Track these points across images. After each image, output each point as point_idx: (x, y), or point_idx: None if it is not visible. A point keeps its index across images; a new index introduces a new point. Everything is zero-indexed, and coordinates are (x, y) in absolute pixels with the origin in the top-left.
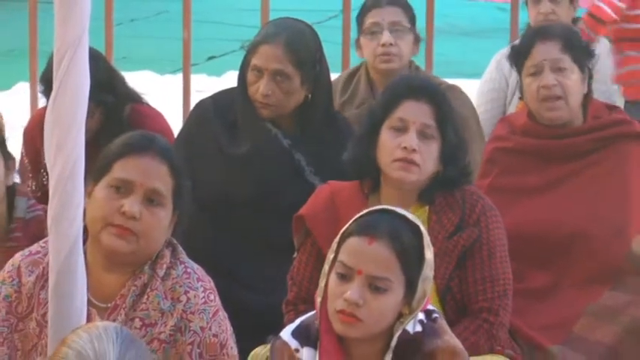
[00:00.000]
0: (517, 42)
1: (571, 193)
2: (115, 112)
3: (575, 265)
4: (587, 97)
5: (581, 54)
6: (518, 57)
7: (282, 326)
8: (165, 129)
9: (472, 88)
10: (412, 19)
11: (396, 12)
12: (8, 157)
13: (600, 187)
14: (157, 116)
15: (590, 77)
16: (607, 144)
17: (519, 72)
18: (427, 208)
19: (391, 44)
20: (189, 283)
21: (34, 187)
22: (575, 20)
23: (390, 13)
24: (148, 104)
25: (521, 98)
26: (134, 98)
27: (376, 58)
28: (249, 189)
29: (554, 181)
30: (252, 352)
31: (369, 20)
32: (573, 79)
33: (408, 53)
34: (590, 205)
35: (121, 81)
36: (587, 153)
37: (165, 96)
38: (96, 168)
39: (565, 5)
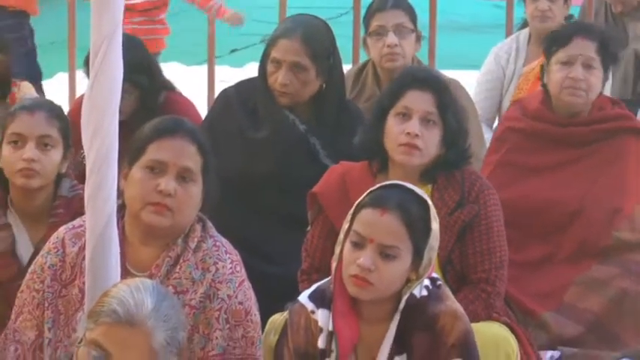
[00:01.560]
0: (556, 29)
1: (572, 176)
2: (150, 96)
3: (570, 240)
4: (599, 95)
5: (610, 59)
6: (554, 42)
7: (297, 294)
8: (195, 116)
9: (471, 79)
10: (414, 19)
11: (399, 15)
12: (68, 148)
13: (599, 173)
14: (188, 104)
15: (607, 79)
16: (608, 136)
17: (549, 56)
18: (430, 186)
19: (395, 45)
20: (218, 255)
21: (72, 168)
22: (568, 17)
23: (394, 16)
24: (180, 93)
25: (542, 85)
26: (168, 86)
27: (382, 58)
28: (268, 170)
29: (558, 163)
30: (271, 318)
31: (374, 23)
32: (597, 76)
33: (410, 52)
34: (589, 188)
35: (158, 69)
36: (589, 142)
37: (192, 85)
38: (130, 152)
39: (560, 3)
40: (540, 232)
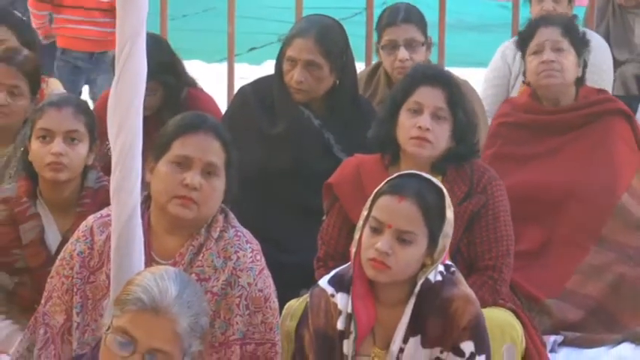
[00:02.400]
0: (522, 29)
1: (563, 161)
2: (174, 92)
3: (565, 221)
4: (581, 81)
5: (578, 40)
6: (523, 40)
7: (312, 281)
8: (216, 111)
9: (479, 76)
10: (424, 30)
11: (410, 29)
12: (94, 141)
13: (589, 155)
14: (209, 100)
15: (585, 66)
16: (594, 119)
17: (523, 53)
18: (440, 178)
19: (407, 59)
20: (239, 244)
21: (98, 160)
22: (572, 17)
23: (404, 31)
24: (202, 89)
25: (524, 82)
26: (191, 83)
27: (394, 70)
28: (284, 163)
29: (549, 150)
30: (287, 304)
31: (386, 37)
32: (570, 59)
33: (421, 62)
34: (580, 170)
35: (182, 66)
36: (577, 127)
37: (212, 82)
38: (156, 147)
39: (564, 3)
40: (536, 216)
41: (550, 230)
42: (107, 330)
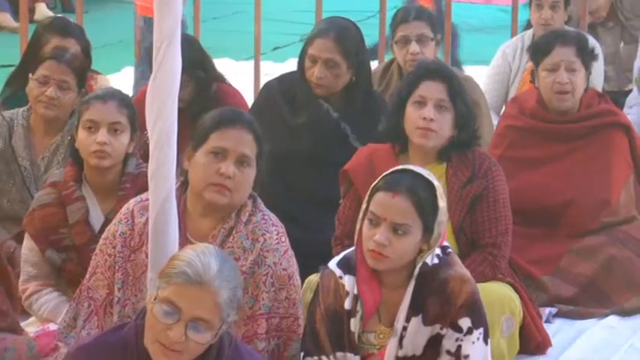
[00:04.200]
0: (538, 39)
1: (565, 168)
2: (204, 87)
3: (564, 226)
4: (585, 90)
5: (588, 57)
6: (538, 53)
7: (330, 258)
8: (243, 104)
9: (482, 73)
10: (434, 28)
11: (421, 25)
12: (134, 131)
13: (588, 165)
14: (237, 94)
15: (590, 74)
16: (595, 131)
17: (536, 63)
18: (445, 164)
19: (418, 53)
20: (266, 227)
21: (138, 148)
22: (566, 22)
23: (416, 27)
24: (230, 84)
25: (531, 82)
26: (220, 79)
27: (406, 63)
28: (305, 151)
29: (552, 157)
30: (307, 279)
31: (399, 33)
32: (580, 77)
33: (431, 56)
34: (579, 179)
35: (211, 63)
36: (579, 137)
37: (241, 78)
38: (194, 138)
39: (561, 12)
40: (537, 219)
41: (549, 231)
42: (154, 300)
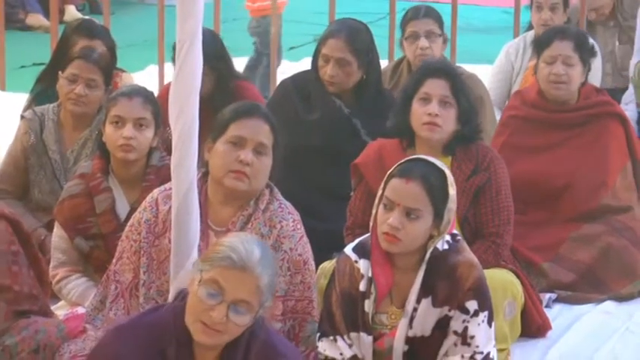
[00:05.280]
0: (540, 34)
1: (564, 154)
2: (225, 80)
3: (563, 208)
4: (583, 84)
5: (587, 53)
6: (540, 45)
7: (342, 246)
8: (260, 99)
9: (486, 71)
10: (441, 25)
11: (429, 22)
12: (158, 126)
13: (585, 151)
14: (254, 89)
15: (589, 70)
16: (593, 119)
17: (538, 56)
18: (450, 158)
19: (426, 47)
20: (283, 215)
21: (162, 142)
22: (565, 22)
23: (425, 24)
24: (244, 80)
25: (534, 75)
26: (238, 76)
27: (415, 58)
28: (318, 145)
29: (553, 144)
30: (321, 265)
31: (409, 29)
32: (577, 70)
33: (438, 52)
34: (578, 164)
35: (230, 59)
36: (578, 125)
37: None
38: (214, 130)
39: (560, 13)
40: (538, 200)
41: (549, 213)
42: (198, 283)
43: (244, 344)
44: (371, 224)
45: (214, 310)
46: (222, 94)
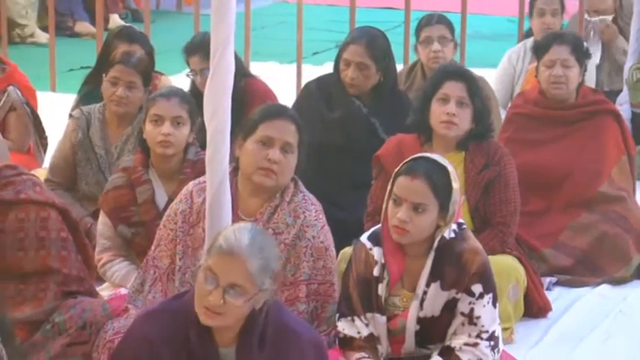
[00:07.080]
0: (539, 39)
1: (563, 147)
2: (236, 78)
3: (561, 196)
4: (580, 84)
5: (582, 55)
6: (539, 49)
7: (361, 233)
8: (271, 95)
9: (491, 74)
10: (452, 32)
11: (442, 28)
12: (194, 124)
13: (583, 145)
14: (265, 86)
15: (585, 70)
16: (589, 116)
17: (538, 59)
18: (463, 153)
19: (439, 51)
20: (306, 206)
21: (197, 138)
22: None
23: (438, 30)
24: (259, 79)
25: (536, 77)
26: (247, 74)
27: (429, 60)
28: (340, 142)
29: (553, 138)
30: (342, 251)
31: (423, 34)
32: (574, 72)
33: (449, 56)
34: (576, 156)
35: (240, 59)
36: (575, 122)
37: (284, 79)
38: (244, 129)
39: (559, 17)
40: (539, 190)
41: (550, 200)
42: (201, 270)
43: (261, 325)
44: (382, 218)
45: (212, 294)
46: (235, 91)
